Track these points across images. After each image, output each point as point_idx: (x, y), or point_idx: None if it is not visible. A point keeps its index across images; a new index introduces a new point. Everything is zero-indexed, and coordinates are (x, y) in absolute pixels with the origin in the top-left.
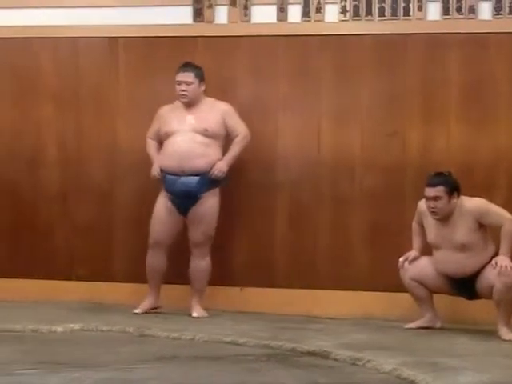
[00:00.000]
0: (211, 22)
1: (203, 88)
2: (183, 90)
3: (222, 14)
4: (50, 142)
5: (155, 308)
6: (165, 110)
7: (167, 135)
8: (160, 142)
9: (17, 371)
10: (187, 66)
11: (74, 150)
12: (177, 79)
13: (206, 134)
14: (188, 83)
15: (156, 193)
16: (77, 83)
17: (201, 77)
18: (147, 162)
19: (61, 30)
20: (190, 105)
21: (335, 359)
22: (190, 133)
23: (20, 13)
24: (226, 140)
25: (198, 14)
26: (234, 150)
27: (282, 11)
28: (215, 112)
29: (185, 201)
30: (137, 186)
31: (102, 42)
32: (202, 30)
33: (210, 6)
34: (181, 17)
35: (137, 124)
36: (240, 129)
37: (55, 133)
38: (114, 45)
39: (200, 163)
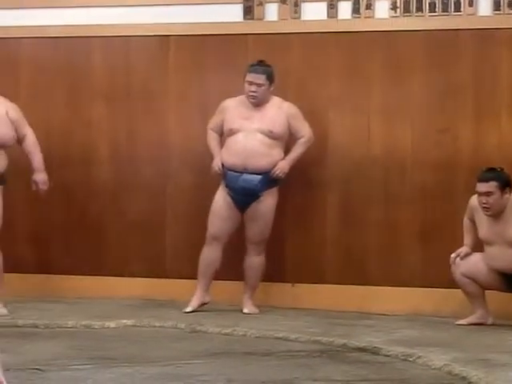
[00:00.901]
0: (261, 19)
1: (272, 89)
2: (253, 92)
3: (272, 12)
4: (102, 140)
5: (204, 304)
6: (230, 104)
7: (231, 132)
8: (221, 135)
9: (70, 366)
10: (259, 66)
11: (126, 148)
12: (247, 79)
13: (270, 135)
14: (259, 85)
15: (208, 189)
16: (128, 81)
17: (271, 78)
18: (198, 159)
19: (113, 28)
20: (257, 105)
21: (386, 355)
22: (255, 133)
23: (72, 12)
24: (290, 140)
25: (248, 12)
26: (297, 151)
27: (332, 8)
28: (281, 114)
29: (244, 198)
30: (188, 183)
31: (153, 40)
32: (252, 27)
33: (261, 4)
34: (231, 14)
35: (187, 121)
36: (305, 130)
37: (107, 131)
38: (164, 43)
39: (263, 162)
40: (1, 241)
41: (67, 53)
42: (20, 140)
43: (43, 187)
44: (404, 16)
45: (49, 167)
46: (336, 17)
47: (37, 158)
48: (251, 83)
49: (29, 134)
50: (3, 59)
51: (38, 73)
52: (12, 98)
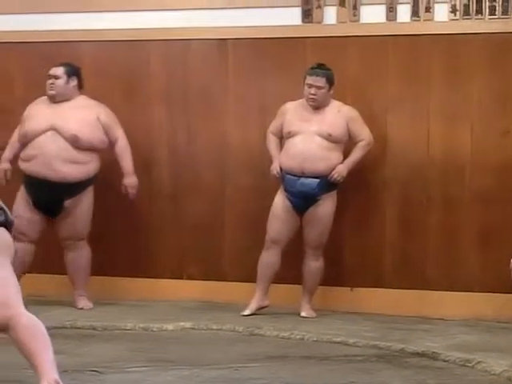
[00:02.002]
0: (320, 22)
1: (332, 92)
2: (313, 94)
3: (330, 15)
4: (161, 142)
5: (263, 307)
6: (290, 108)
7: (290, 135)
8: (281, 138)
9: (128, 369)
10: (319, 68)
11: (185, 151)
12: (307, 82)
13: (329, 138)
14: (319, 88)
15: (267, 192)
16: (187, 85)
17: (331, 81)
18: (257, 162)
19: (171, 32)
20: (316, 108)
21: (445, 360)
22: (314, 136)
23: (131, 16)
24: (349, 143)
25: (306, 15)
26: (356, 155)
27: (391, 11)
28: (341, 117)
29: (303, 201)
30: (247, 186)
31: (212, 43)
32: (310, 30)
33: (319, 7)
34: (289, 18)
35: (246, 124)
36: (364, 134)
37: (166, 134)
38: (223, 46)
39: (321, 166)
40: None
41: (126, 56)
42: (112, 144)
43: (132, 191)
44: (463, 19)
45: (110, 169)
46: (395, 20)
47: (127, 162)
48: (311, 86)
49: (120, 138)
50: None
51: (97, 76)
52: None
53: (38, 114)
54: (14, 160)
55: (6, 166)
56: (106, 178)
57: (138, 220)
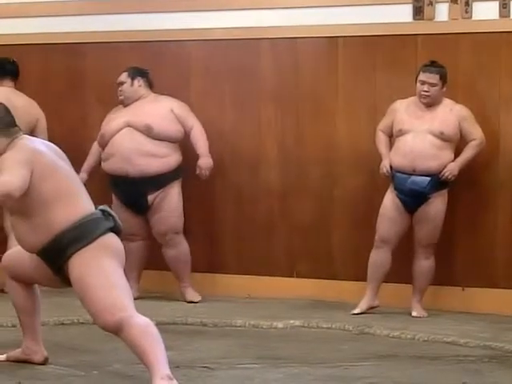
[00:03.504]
0: (431, 19)
1: (444, 89)
2: (426, 91)
3: (442, 11)
4: (271, 142)
5: (373, 307)
6: (400, 106)
7: (401, 133)
8: (390, 136)
9: (238, 365)
10: (432, 66)
11: (294, 149)
12: (420, 78)
13: (441, 136)
14: (432, 84)
15: (376, 190)
16: (296, 83)
17: (444, 78)
18: (367, 160)
19: (281, 30)
20: (428, 105)
21: None
22: (425, 134)
23: (241, 14)
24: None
25: (417, 12)
26: (467, 154)
27: (504, 7)
28: (453, 116)
29: (413, 200)
30: (356, 185)
31: (322, 41)
32: (421, 27)
33: (431, 4)
34: (400, 15)
35: (356, 123)
36: (476, 133)
37: (275, 133)
38: (333, 44)
39: (432, 164)
40: None
41: (236, 55)
42: (188, 133)
43: (205, 172)
44: None
45: (219, 168)
46: (508, 16)
47: (201, 144)
48: (424, 82)
49: (196, 126)
50: (173, 62)
51: (207, 75)
52: (183, 99)
53: (113, 117)
54: (94, 169)
55: (82, 176)
56: (214, 177)
57: (248, 218)
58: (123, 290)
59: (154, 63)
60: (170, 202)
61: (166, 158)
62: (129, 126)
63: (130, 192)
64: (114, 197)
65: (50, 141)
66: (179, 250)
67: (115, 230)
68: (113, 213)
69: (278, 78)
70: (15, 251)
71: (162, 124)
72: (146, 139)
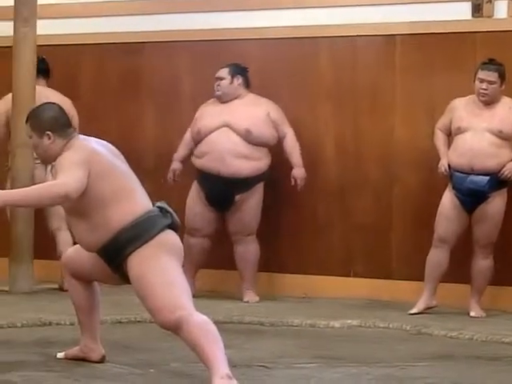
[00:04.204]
0: (490, 16)
1: (503, 87)
2: (484, 89)
3: (501, 9)
4: (329, 139)
5: (431, 307)
6: (459, 104)
7: (459, 131)
8: (449, 135)
9: (295, 365)
10: (491, 63)
11: (352, 147)
12: (479, 76)
13: (499, 135)
14: (491, 82)
15: (435, 189)
16: (354, 81)
17: (503, 76)
18: (425, 158)
19: (339, 29)
20: (487, 103)
21: None
22: (484, 132)
23: (298, 13)
24: None
25: (476, 10)
26: None
27: None
28: (510, 114)
29: (472, 199)
30: (414, 183)
31: (380, 39)
32: (480, 25)
33: (489, 1)
34: (459, 12)
35: (414, 121)
36: None
37: (333, 130)
38: (390, 42)
39: (491, 163)
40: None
41: (294, 53)
42: (281, 139)
43: (301, 182)
44: None
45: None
46: None
47: (296, 154)
48: (482, 81)
49: (289, 133)
50: (230, 61)
51: (264, 74)
52: None
53: (210, 113)
54: (186, 159)
55: (177, 166)
56: (273, 175)
57: (305, 217)
58: (182, 287)
59: (209, 62)
60: (253, 203)
61: (258, 162)
62: (227, 126)
63: (218, 190)
64: (195, 188)
65: (105, 139)
66: (250, 249)
67: (173, 226)
68: (170, 209)
69: (335, 76)
70: (74, 249)
71: (261, 129)
72: (241, 141)
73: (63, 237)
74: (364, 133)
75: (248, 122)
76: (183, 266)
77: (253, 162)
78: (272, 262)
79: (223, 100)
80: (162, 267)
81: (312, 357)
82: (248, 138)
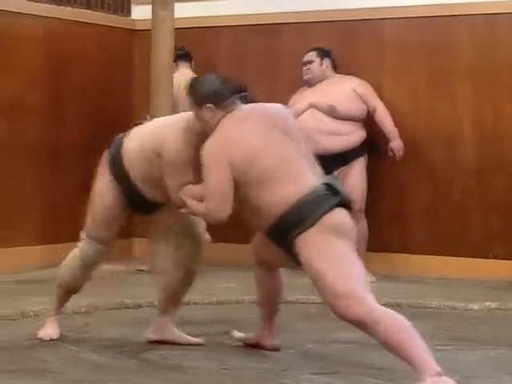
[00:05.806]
0: None
1: None
2: None
3: None
4: (466, 119)
5: None
6: None
7: None
8: None
9: (434, 347)
10: None
11: (491, 127)
12: None
13: None
14: None
15: None
16: (494, 60)
17: None
18: None
19: (478, 6)
20: None
21: None
22: None
23: None
24: None
25: None
26: None
27: None
28: None
29: None
30: None
31: None
32: None
33: None
34: None
35: None
36: None
37: (472, 110)
38: None
39: None
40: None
41: (431, 32)
42: (371, 112)
43: (399, 153)
44: None
45: (414, 145)
46: None
47: (390, 126)
48: None
49: (379, 106)
50: (367, 40)
51: (402, 53)
52: (376, 77)
53: (300, 99)
54: None
55: None
56: (406, 156)
57: (442, 197)
58: (356, 276)
59: (345, 43)
60: (353, 178)
61: (350, 136)
62: (313, 107)
63: None
64: None
65: None
66: (359, 226)
67: (342, 204)
68: (338, 185)
69: (474, 54)
70: (259, 236)
71: (346, 104)
72: (328, 118)
73: None
74: (503, 111)
75: (332, 99)
76: None
77: (344, 137)
78: (408, 243)
79: (311, 83)
80: (333, 253)
81: (450, 339)
82: (334, 114)
